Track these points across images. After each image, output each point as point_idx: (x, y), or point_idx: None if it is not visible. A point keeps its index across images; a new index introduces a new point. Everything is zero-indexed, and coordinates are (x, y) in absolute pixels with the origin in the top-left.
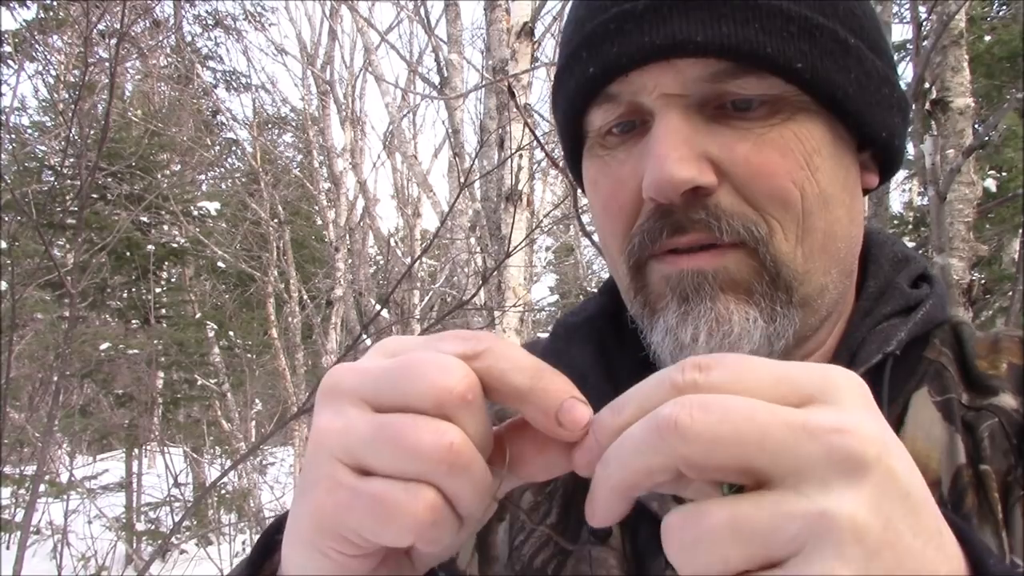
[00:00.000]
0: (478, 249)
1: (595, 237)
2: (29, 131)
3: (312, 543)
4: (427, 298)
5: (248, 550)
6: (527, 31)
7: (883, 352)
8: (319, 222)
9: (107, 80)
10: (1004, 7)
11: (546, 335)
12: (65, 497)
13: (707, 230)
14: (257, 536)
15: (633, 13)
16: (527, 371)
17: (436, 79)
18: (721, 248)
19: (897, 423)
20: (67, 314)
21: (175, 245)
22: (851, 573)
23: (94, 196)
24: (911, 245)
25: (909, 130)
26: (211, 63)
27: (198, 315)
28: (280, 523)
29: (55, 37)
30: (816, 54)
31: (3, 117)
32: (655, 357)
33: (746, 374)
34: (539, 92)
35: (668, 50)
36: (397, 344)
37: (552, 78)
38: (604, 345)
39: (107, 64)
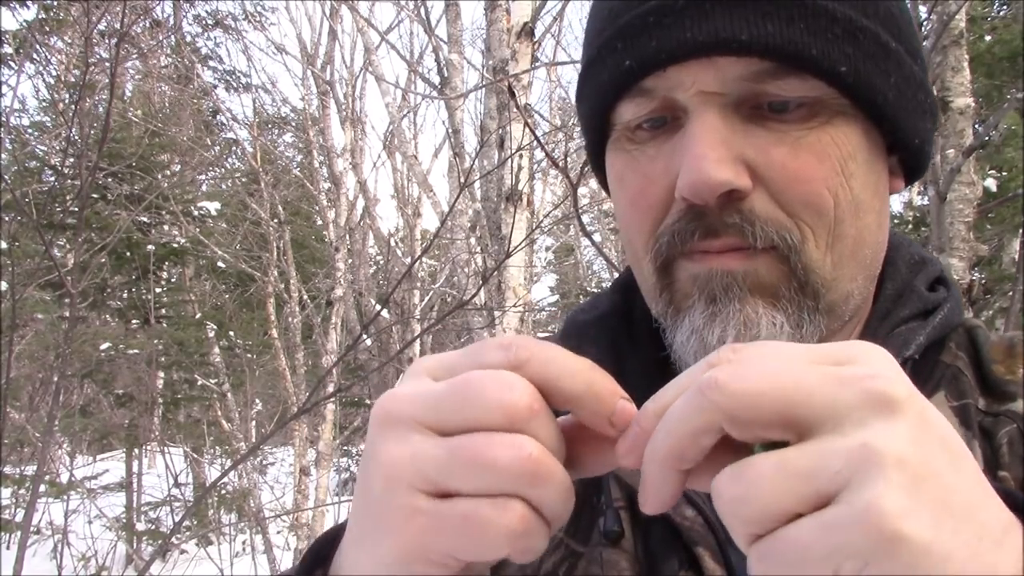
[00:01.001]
0: (478, 249)
1: (595, 237)
2: (29, 131)
3: (398, 572)
4: (427, 298)
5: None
6: (527, 31)
7: (902, 356)
8: (319, 222)
9: (107, 80)
10: (1004, 7)
11: (547, 334)
12: (65, 497)
13: (740, 235)
14: (257, 536)
15: (673, 8)
16: (579, 376)
17: (436, 79)
18: (752, 251)
19: None
20: (67, 314)
21: (175, 245)
22: (899, 499)
23: (94, 196)
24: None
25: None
26: (211, 63)
27: (198, 315)
28: (328, 540)
29: (55, 37)
30: (859, 57)
31: (3, 117)
32: (676, 357)
33: (778, 348)
34: (539, 92)
35: (710, 47)
36: (438, 364)
37: (551, 78)
38: (617, 344)
39: (107, 64)
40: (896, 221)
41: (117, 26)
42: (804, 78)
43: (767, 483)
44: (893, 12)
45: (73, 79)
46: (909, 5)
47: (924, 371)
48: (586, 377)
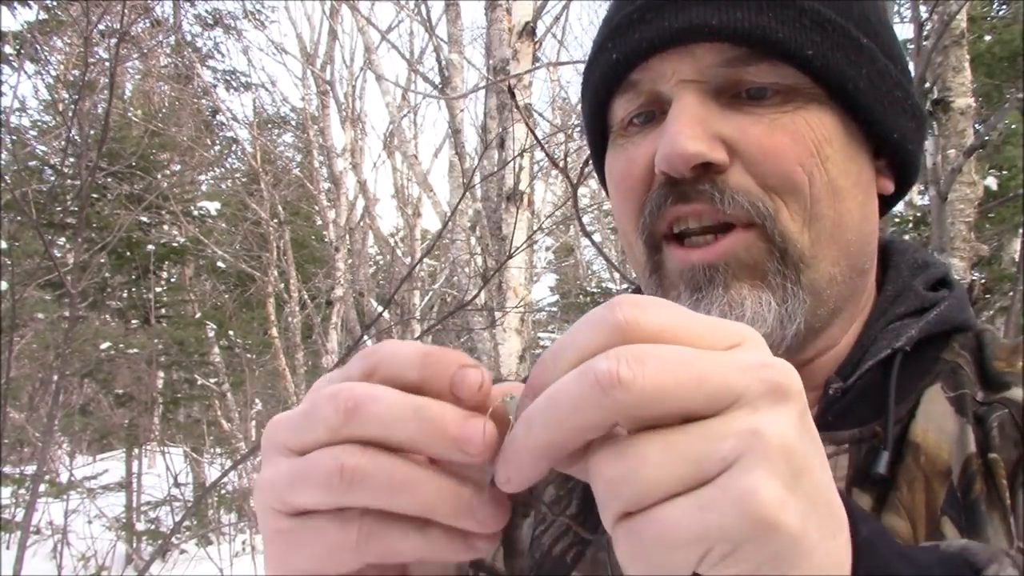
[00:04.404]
0: (479, 249)
1: (595, 237)
2: (30, 131)
3: None
4: (427, 298)
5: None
6: (528, 31)
7: (892, 347)
8: (319, 222)
9: (107, 80)
10: (1004, 7)
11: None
12: (65, 497)
13: (710, 201)
14: (257, 535)
15: (655, 4)
16: (413, 361)
17: (437, 79)
18: (731, 234)
19: (908, 416)
20: (67, 314)
21: (175, 245)
22: (778, 488)
23: (94, 196)
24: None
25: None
26: (211, 62)
27: (198, 315)
28: None
29: (55, 37)
30: (827, 45)
31: (3, 117)
32: None
33: (683, 315)
34: (540, 92)
35: (685, 34)
36: (325, 381)
37: (552, 78)
38: None
39: (107, 64)
40: (897, 220)
41: (117, 26)
42: (776, 64)
43: (651, 465)
44: (867, 15)
45: (73, 79)
46: (909, 5)
47: (921, 365)
48: (420, 361)
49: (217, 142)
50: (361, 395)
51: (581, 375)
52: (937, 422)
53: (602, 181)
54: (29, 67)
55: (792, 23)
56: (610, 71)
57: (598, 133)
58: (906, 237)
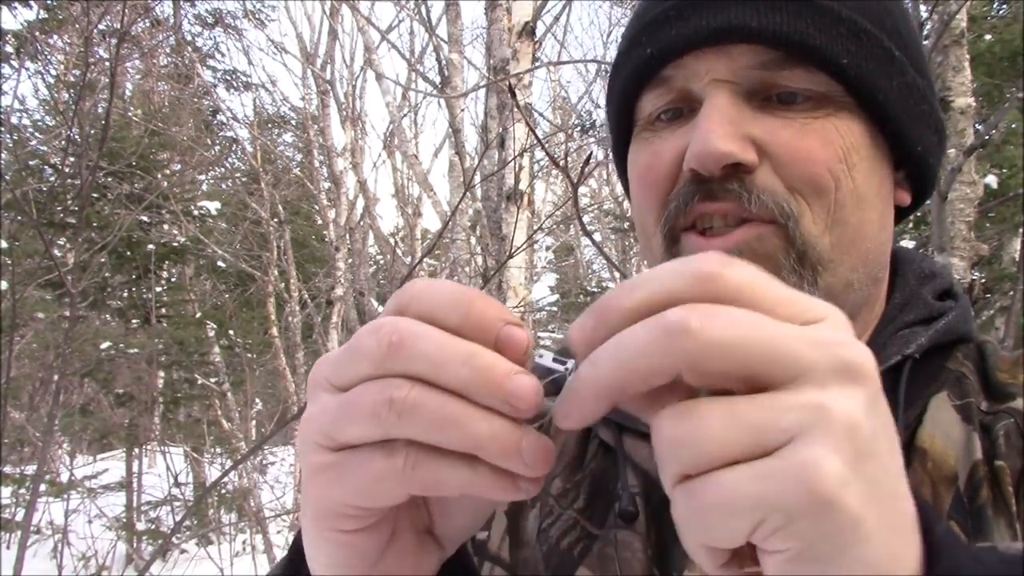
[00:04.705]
0: (479, 249)
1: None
2: (30, 131)
3: (316, 532)
4: None
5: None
6: (528, 31)
7: (902, 354)
8: (319, 222)
9: (107, 79)
10: (1004, 7)
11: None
12: (65, 497)
13: (737, 200)
14: (257, 535)
15: (693, 2)
16: (456, 306)
17: (437, 78)
18: (751, 224)
19: (915, 423)
20: (67, 313)
21: (175, 244)
22: (840, 465)
23: (94, 195)
24: (911, 244)
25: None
26: (211, 62)
27: (198, 314)
28: None
29: (55, 37)
30: (862, 55)
31: (3, 116)
32: None
33: (766, 280)
34: (540, 92)
35: (723, 33)
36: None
37: (552, 78)
38: None
39: (107, 64)
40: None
41: (117, 26)
42: (810, 70)
43: (713, 429)
44: (899, 27)
45: (73, 79)
46: (910, 5)
47: (928, 374)
48: (464, 308)
49: (217, 142)
50: (406, 330)
51: (652, 321)
52: (944, 429)
53: (620, 173)
54: (29, 67)
55: (829, 30)
56: (643, 65)
57: (623, 125)
58: (906, 237)
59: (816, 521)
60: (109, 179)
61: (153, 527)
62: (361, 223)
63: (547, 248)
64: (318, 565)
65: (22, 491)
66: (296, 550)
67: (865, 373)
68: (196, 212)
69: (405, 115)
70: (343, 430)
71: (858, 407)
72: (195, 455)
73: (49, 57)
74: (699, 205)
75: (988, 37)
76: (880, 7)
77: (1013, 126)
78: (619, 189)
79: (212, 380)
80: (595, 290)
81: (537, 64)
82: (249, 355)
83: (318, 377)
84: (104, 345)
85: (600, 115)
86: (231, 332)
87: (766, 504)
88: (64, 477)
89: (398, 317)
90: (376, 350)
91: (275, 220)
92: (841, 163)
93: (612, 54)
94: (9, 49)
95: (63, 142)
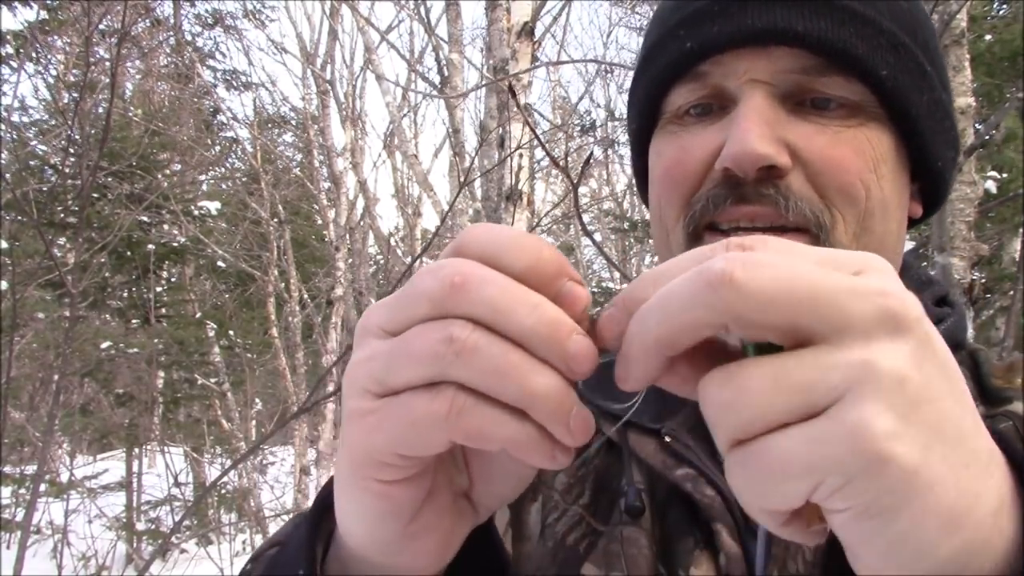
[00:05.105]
0: None
1: (595, 236)
2: (30, 130)
3: (352, 481)
4: None
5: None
6: (528, 31)
7: None
8: (319, 222)
9: (108, 80)
10: (1004, 7)
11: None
12: (65, 497)
13: (774, 206)
14: (257, 535)
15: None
16: (521, 252)
17: (436, 78)
18: (782, 233)
19: None
20: (67, 313)
21: (175, 244)
22: (891, 421)
23: (95, 195)
24: (911, 244)
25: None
26: (211, 62)
27: (198, 314)
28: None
29: (55, 37)
30: (899, 68)
31: (3, 116)
32: None
33: (793, 247)
34: (539, 91)
35: (768, 35)
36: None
37: (551, 78)
38: None
39: (107, 64)
40: None
41: (117, 26)
42: (848, 78)
43: (760, 392)
44: (928, 42)
45: (73, 79)
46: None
47: None
48: (531, 255)
49: (217, 142)
50: (470, 272)
51: (696, 273)
52: None
53: (635, 163)
54: (29, 67)
55: (871, 40)
56: (681, 58)
57: (648, 118)
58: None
59: (873, 479)
60: (109, 179)
61: (153, 527)
62: (361, 223)
63: None
64: (351, 518)
65: (22, 491)
66: (322, 506)
67: (911, 322)
68: (196, 212)
69: (405, 115)
70: (396, 372)
71: (905, 359)
72: (195, 455)
73: (49, 57)
74: (731, 208)
75: (988, 37)
76: (914, 20)
77: (1013, 129)
78: (619, 189)
79: (212, 380)
80: (595, 289)
81: (537, 64)
82: (249, 355)
83: (369, 324)
84: (104, 345)
85: (600, 115)
86: (231, 332)
87: (821, 468)
88: (64, 477)
89: (460, 258)
90: (438, 290)
91: (275, 220)
92: (872, 173)
93: (612, 54)
94: (9, 49)
95: (63, 142)
